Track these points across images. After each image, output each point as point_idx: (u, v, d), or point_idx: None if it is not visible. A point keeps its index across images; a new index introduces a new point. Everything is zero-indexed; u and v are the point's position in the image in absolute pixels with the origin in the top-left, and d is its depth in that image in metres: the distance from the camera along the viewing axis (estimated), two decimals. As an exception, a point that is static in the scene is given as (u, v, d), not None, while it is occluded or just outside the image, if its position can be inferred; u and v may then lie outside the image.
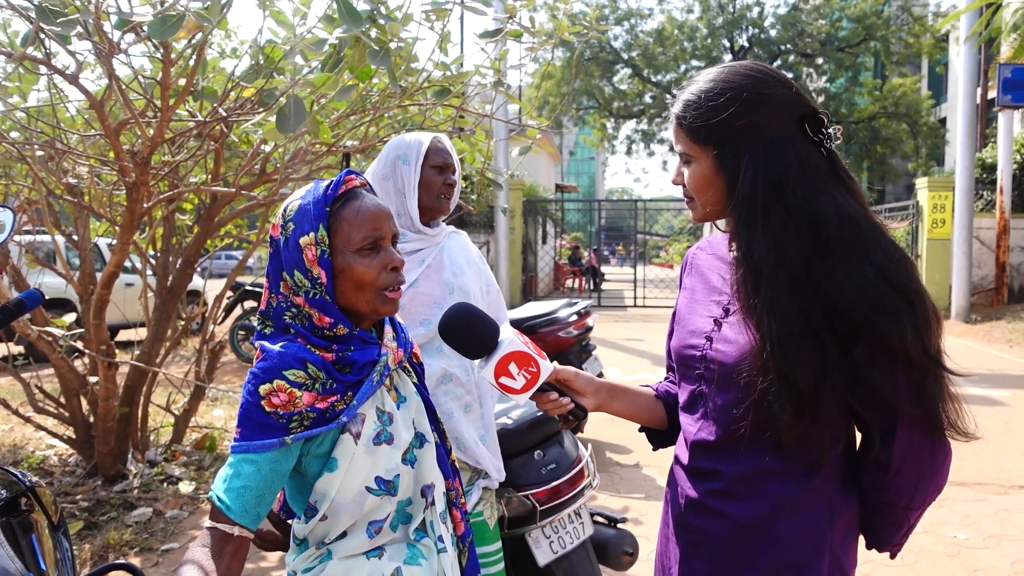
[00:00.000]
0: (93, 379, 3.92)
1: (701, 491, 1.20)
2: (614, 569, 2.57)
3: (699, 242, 1.41)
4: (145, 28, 2.10)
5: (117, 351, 4.00)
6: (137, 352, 4.20)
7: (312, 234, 1.17)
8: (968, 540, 3.52)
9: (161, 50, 2.48)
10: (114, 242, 3.65)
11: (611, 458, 4.88)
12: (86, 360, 4.14)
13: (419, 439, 1.29)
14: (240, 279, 8.53)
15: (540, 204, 17.93)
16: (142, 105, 3.06)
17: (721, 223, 1.29)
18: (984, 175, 13.79)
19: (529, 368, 1.20)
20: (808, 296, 1.07)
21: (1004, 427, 5.61)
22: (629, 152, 27.49)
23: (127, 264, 4.49)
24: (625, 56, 24.44)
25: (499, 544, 1.98)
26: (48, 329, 3.55)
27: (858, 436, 1.19)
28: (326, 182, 1.22)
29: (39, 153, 3.45)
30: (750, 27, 24.02)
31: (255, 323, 1.29)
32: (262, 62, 2.67)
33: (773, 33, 24.03)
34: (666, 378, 1.44)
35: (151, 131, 2.84)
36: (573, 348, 5.15)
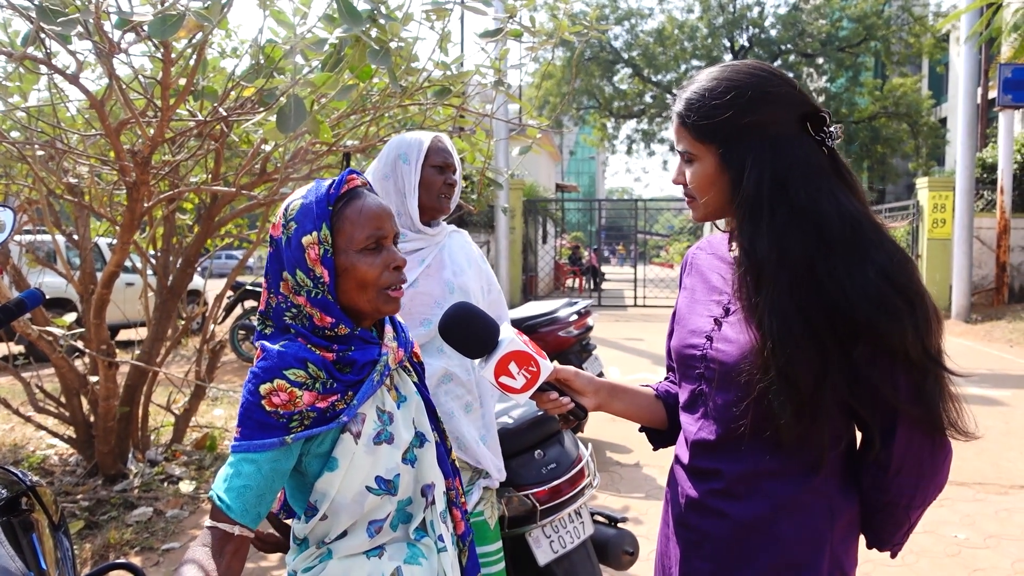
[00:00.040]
0: (94, 379, 3.92)
1: (701, 491, 1.20)
2: (614, 568, 2.57)
3: (699, 242, 1.41)
4: (145, 28, 2.10)
5: (117, 350, 4.00)
6: (137, 352, 4.20)
7: (315, 233, 1.17)
8: (968, 540, 3.52)
9: (161, 50, 2.48)
10: (114, 242, 3.65)
11: (611, 457, 4.88)
12: (86, 360, 4.14)
13: (419, 438, 1.29)
14: (240, 279, 8.53)
15: (540, 204, 17.93)
16: (142, 105, 3.06)
17: (721, 223, 1.29)
18: (984, 175, 13.79)
19: (529, 367, 1.20)
20: (809, 295, 1.07)
21: (1004, 427, 5.61)
22: (629, 152, 27.48)
23: (127, 264, 4.49)
24: (625, 56, 24.43)
25: (500, 544, 1.98)
26: (48, 329, 3.56)
27: (858, 436, 1.19)
28: (328, 181, 1.22)
29: (39, 153, 3.45)
30: (750, 27, 24.00)
31: (255, 323, 1.29)
32: (262, 62, 2.67)
33: (773, 33, 24.01)
34: (666, 378, 1.44)
35: (151, 131, 2.84)
36: (573, 348, 5.15)
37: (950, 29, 17.77)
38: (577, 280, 22.98)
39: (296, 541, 1.26)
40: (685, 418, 1.27)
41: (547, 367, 1.22)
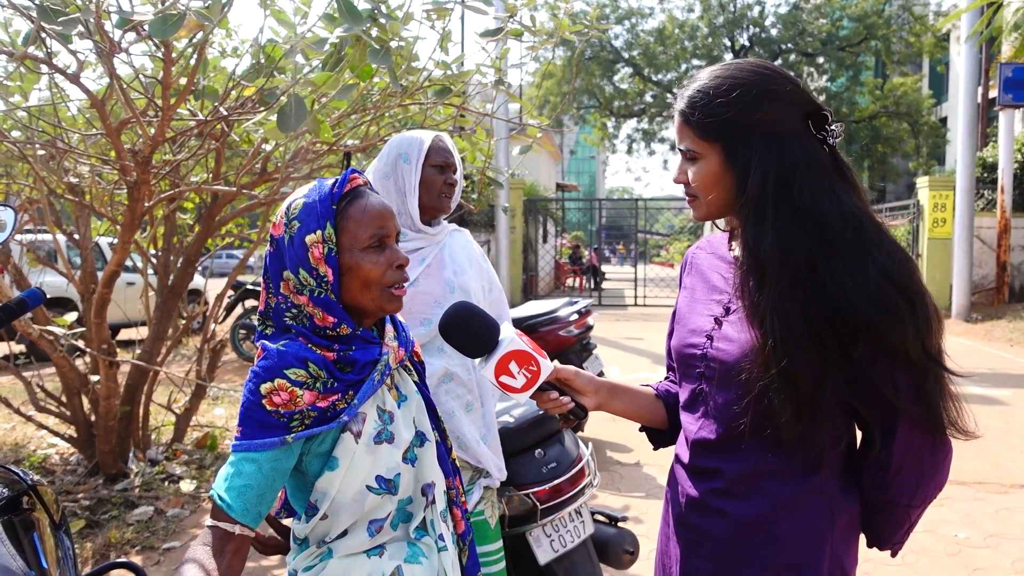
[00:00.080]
0: (94, 378, 3.92)
1: (702, 490, 1.21)
2: (615, 568, 2.57)
3: (698, 241, 1.41)
4: (146, 27, 2.10)
5: (118, 350, 4.01)
6: (138, 351, 4.20)
7: (319, 232, 1.17)
8: (968, 539, 3.52)
9: (162, 49, 2.48)
10: (115, 241, 3.65)
11: (612, 457, 4.88)
12: (87, 359, 4.14)
13: (420, 438, 1.29)
14: (241, 278, 8.54)
15: (541, 203, 17.93)
16: (143, 104, 3.06)
17: (720, 222, 1.29)
18: (985, 174, 13.79)
19: (529, 367, 1.20)
20: (810, 294, 1.07)
21: (1005, 426, 5.61)
22: (630, 151, 27.48)
23: (128, 263, 4.49)
24: (626, 55, 24.42)
25: (500, 543, 1.98)
26: (49, 328, 3.56)
27: (858, 435, 1.19)
28: (330, 180, 1.22)
29: (40, 152, 3.45)
30: (751, 26, 24.00)
31: (256, 322, 1.29)
32: (263, 61, 2.67)
33: (774, 32, 24.01)
34: (666, 377, 1.44)
35: (152, 130, 2.85)
36: (574, 347, 5.15)
37: (950, 28, 17.77)
38: (577, 279, 22.98)
39: (296, 541, 1.26)
40: (685, 417, 1.27)
41: (547, 367, 1.22)
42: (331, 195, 1.20)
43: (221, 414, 5.69)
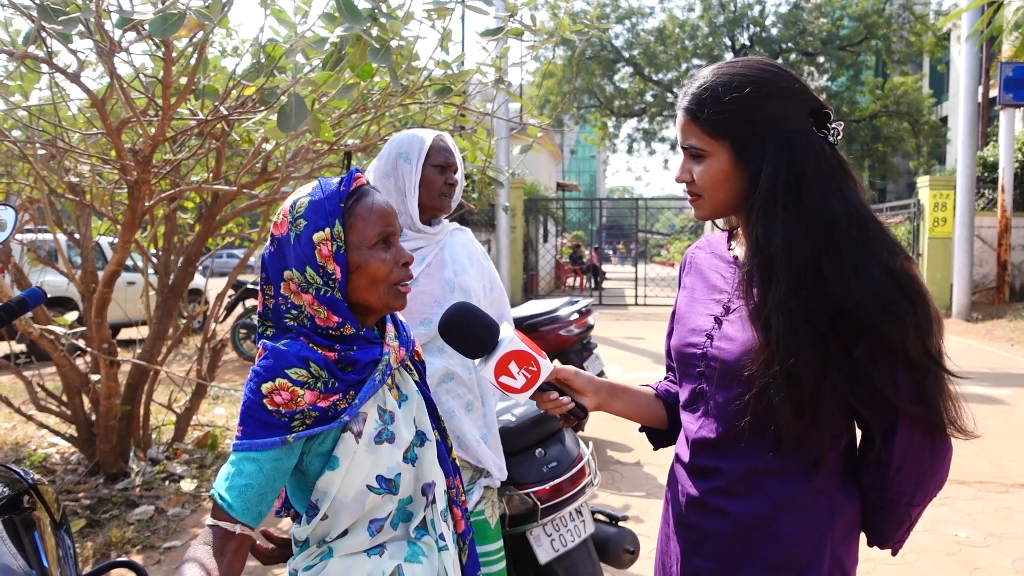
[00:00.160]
0: (95, 377, 3.92)
1: (702, 489, 1.21)
2: (615, 567, 2.57)
3: (697, 241, 1.41)
4: (146, 26, 2.10)
5: (119, 349, 4.01)
6: (139, 350, 4.21)
7: (327, 229, 1.17)
8: (969, 538, 3.52)
9: (162, 48, 2.49)
10: (115, 240, 3.65)
11: (612, 456, 4.89)
12: (88, 358, 4.14)
13: (420, 437, 1.29)
14: (241, 277, 8.54)
15: (541, 203, 17.93)
16: (143, 104, 3.06)
17: (720, 222, 1.29)
18: (985, 174, 13.78)
19: (529, 367, 1.20)
20: (813, 293, 1.07)
21: (1005, 425, 5.61)
22: (630, 151, 27.45)
23: (129, 262, 4.49)
24: (626, 55, 24.41)
25: (500, 543, 1.98)
26: (50, 327, 3.56)
27: (858, 434, 1.19)
28: (335, 179, 1.23)
29: (41, 152, 3.45)
30: (751, 25, 23.98)
31: (256, 322, 1.29)
32: (263, 60, 2.67)
33: (774, 32, 23.99)
34: (666, 377, 1.44)
35: (152, 130, 2.85)
36: (574, 346, 5.16)
37: (951, 28, 17.76)
38: (578, 279, 22.98)
39: (297, 543, 1.26)
40: (685, 417, 1.27)
41: (547, 367, 1.22)
42: (339, 193, 1.20)
43: (222, 413, 5.69)
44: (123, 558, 1.59)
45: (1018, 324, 10.84)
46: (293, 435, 1.12)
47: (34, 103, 3.35)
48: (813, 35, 23.18)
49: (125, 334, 8.76)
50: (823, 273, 1.07)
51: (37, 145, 3.33)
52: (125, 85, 2.62)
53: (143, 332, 4.51)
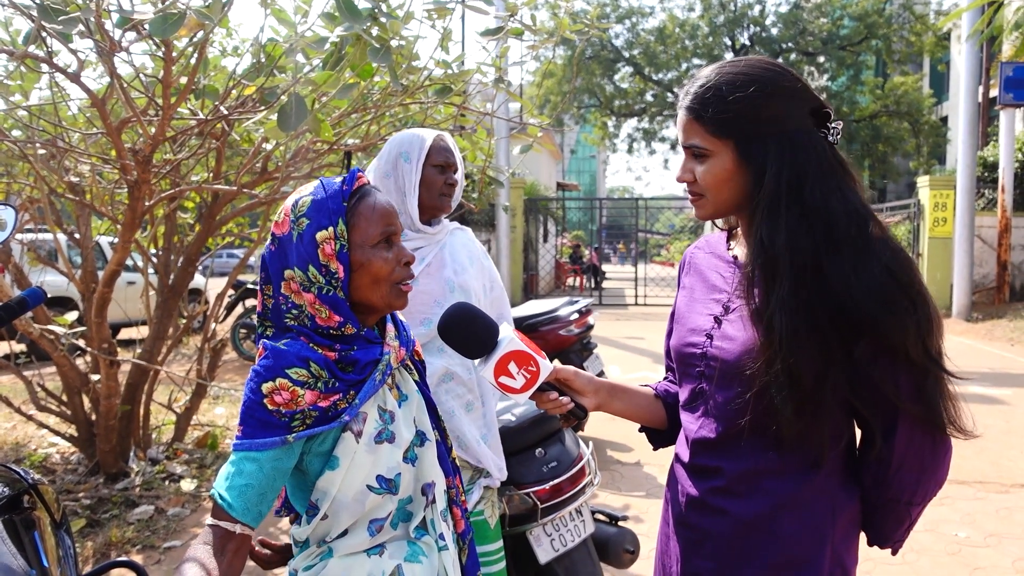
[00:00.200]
0: (95, 377, 3.92)
1: (702, 489, 1.21)
2: (615, 567, 2.57)
3: (696, 241, 1.41)
4: (146, 26, 2.10)
5: (119, 349, 4.01)
6: (139, 350, 4.21)
7: (331, 228, 1.17)
8: (969, 538, 3.52)
9: (162, 48, 2.49)
10: (116, 240, 3.66)
11: (612, 456, 4.89)
12: (88, 358, 4.14)
13: (420, 437, 1.29)
14: (241, 277, 8.54)
15: (541, 202, 17.93)
16: (144, 103, 3.06)
17: (719, 222, 1.29)
18: (985, 173, 13.78)
19: (529, 367, 1.20)
20: (814, 293, 1.07)
21: (1005, 425, 5.61)
22: (630, 150, 27.44)
23: (129, 262, 4.49)
24: (626, 54, 24.41)
25: (500, 543, 1.98)
26: (50, 327, 3.56)
27: (858, 434, 1.19)
28: (338, 178, 1.23)
29: (41, 151, 3.45)
30: (751, 25, 23.98)
31: (256, 322, 1.29)
32: (263, 60, 2.67)
33: (775, 31, 23.99)
34: (665, 378, 1.44)
35: (153, 129, 2.85)
36: (574, 346, 5.16)
37: (951, 27, 17.76)
38: (578, 279, 22.98)
39: (297, 544, 1.26)
40: (685, 416, 1.27)
41: (546, 367, 1.22)
42: (342, 192, 1.20)
43: (222, 413, 5.69)
44: (123, 558, 1.60)
45: (1018, 324, 10.84)
46: (293, 435, 1.12)
47: (34, 103, 3.35)
48: (813, 35, 23.18)
49: (125, 334, 8.76)
50: (824, 273, 1.07)
51: (37, 145, 3.33)
52: (125, 85, 2.62)
53: (143, 332, 4.51)
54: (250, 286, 8.29)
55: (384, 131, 3.60)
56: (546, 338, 4.97)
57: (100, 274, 4.03)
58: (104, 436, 3.87)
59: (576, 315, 5.17)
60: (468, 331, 1.23)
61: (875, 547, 1.23)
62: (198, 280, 8.81)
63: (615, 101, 25.14)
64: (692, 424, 1.23)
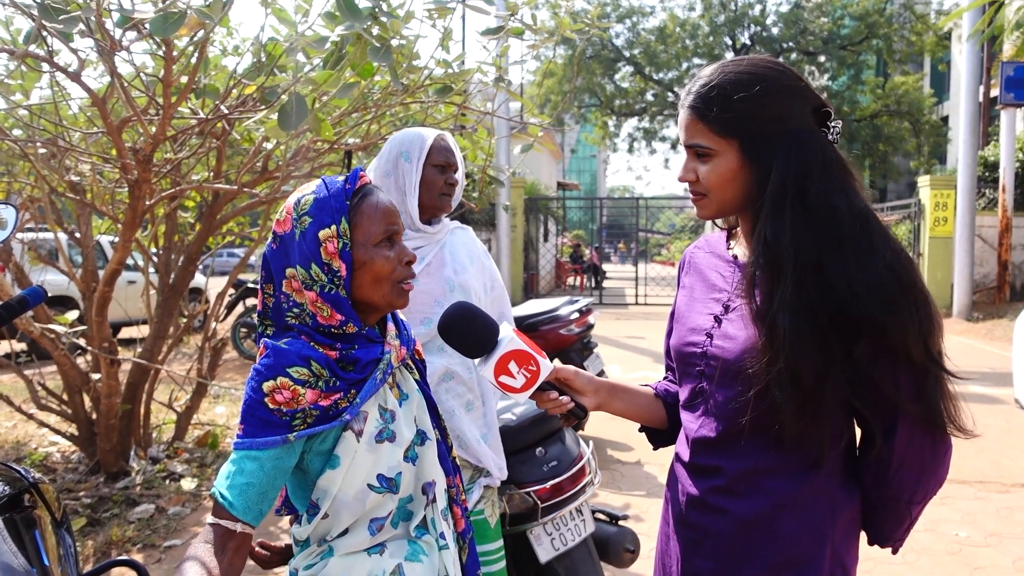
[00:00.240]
0: (95, 376, 3.92)
1: (702, 488, 1.21)
2: (615, 566, 2.57)
3: (696, 241, 1.41)
4: (147, 25, 2.10)
5: (119, 348, 4.01)
6: (139, 349, 4.21)
7: (334, 227, 1.17)
8: (969, 538, 3.52)
9: (163, 47, 2.49)
10: (116, 239, 3.66)
11: (612, 455, 4.89)
12: (88, 357, 4.15)
13: (420, 436, 1.29)
14: (242, 276, 8.54)
15: (542, 202, 17.93)
16: (144, 103, 3.06)
17: (719, 221, 1.29)
18: (986, 173, 13.78)
19: (529, 367, 1.20)
20: (815, 292, 1.07)
21: (1006, 425, 5.61)
22: (631, 150, 27.42)
23: (129, 261, 4.49)
24: (627, 54, 24.40)
25: (500, 542, 1.98)
26: (51, 326, 3.56)
27: (858, 433, 1.19)
28: (340, 177, 1.23)
29: (41, 151, 3.45)
30: (752, 25, 23.96)
31: (256, 321, 1.29)
32: (264, 59, 2.68)
33: (775, 31, 23.97)
34: (665, 377, 1.44)
35: (153, 129, 2.85)
36: (574, 346, 5.16)
37: (952, 27, 17.74)
38: (578, 278, 22.98)
39: (297, 543, 1.26)
40: (685, 416, 1.27)
41: (547, 366, 1.21)
42: (344, 191, 1.20)
43: (222, 412, 5.70)
44: (124, 557, 1.59)
45: (1019, 324, 10.83)
46: (294, 434, 1.12)
47: (35, 102, 3.35)
48: (814, 34, 23.17)
49: (126, 333, 8.77)
50: (825, 272, 1.07)
51: (38, 144, 3.33)
52: (126, 84, 2.62)
53: (144, 331, 4.52)
54: (251, 285, 8.30)
55: (384, 130, 3.60)
56: (546, 337, 4.97)
57: (101, 273, 4.04)
58: (105, 435, 3.87)
59: (576, 314, 5.17)
60: (468, 330, 1.23)
61: (875, 546, 1.23)
62: (199, 279, 8.82)
63: (615, 100, 25.12)
64: (692, 423, 1.23)
